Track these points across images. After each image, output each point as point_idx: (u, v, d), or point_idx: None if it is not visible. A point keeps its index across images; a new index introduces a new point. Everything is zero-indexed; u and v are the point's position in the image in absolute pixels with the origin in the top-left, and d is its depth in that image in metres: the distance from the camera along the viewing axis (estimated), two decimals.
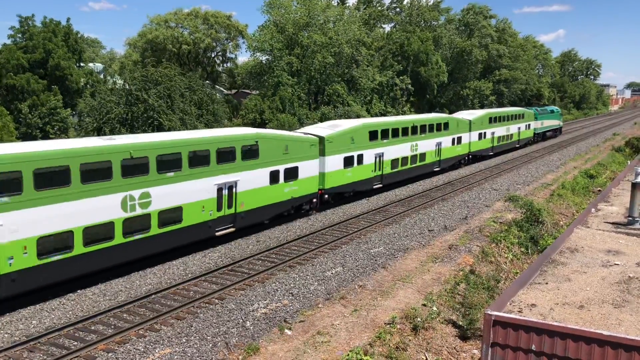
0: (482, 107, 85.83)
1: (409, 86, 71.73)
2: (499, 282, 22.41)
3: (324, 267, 21.75)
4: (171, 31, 63.74)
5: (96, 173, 18.81)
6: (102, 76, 57.14)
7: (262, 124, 49.98)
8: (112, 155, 19.28)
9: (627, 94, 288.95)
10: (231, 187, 24.16)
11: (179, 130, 37.65)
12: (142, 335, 15.82)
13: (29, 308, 17.42)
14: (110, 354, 14.64)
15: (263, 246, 24.56)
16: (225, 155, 23.68)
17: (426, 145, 41.30)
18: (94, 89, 47.32)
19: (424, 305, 18.43)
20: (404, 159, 38.52)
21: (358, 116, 56.80)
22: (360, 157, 33.46)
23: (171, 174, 21.29)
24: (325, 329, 16.41)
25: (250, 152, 25.03)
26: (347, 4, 76.42)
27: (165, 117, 38.58)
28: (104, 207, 19.00)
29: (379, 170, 35.74)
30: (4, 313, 16.95)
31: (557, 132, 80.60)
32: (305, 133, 30.81)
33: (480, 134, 51.58)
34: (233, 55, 72.00)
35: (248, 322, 16.69)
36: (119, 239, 19.58)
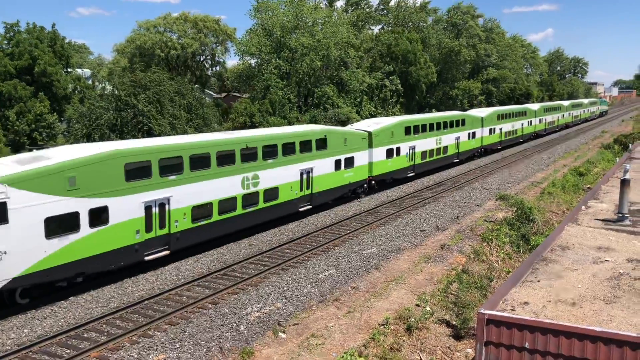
0: (471, 107, 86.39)
1: (399, 87, 71.88)
2: (492, 280, 22.49)
3: (317, 270, 21.73)
4: (159, 36, 63.50)
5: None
6: (90, 82, 56.75)
7: (252, 127, 49.95)
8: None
9: (615, 91, 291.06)
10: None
11: (170, 134, 37.71)
12: (135, 341, 15.72)
13: (20, 316, 17.27)
14: None
15: (255, 250, 24.51)
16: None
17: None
18: (83, 94, 47.03)
19: (417, 305, 18.47)
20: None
21: (348, 118, 57.24)
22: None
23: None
24: (319, 332, 16.40)
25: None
26: (335, 7, 76.47)
27: (155, 122, 38.46)
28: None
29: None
30: None
31: (606, 112, 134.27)
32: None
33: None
34: (222, 59, 71.97)
35: (242, 326, 16.64)
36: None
